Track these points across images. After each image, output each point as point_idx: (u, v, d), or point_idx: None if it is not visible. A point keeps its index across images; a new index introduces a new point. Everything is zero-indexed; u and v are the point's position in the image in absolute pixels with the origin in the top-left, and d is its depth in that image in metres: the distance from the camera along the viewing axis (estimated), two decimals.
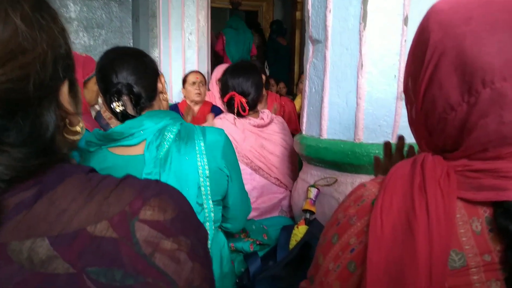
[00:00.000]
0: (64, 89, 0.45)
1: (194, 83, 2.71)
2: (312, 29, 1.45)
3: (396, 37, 1.27)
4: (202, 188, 1.03)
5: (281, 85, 4.77)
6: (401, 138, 0.96)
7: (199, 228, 0.48)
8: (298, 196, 1.51)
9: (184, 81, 2.77)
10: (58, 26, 0.43)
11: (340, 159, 1.33)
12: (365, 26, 1.28)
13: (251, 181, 1.60)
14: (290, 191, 1.68)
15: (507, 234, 0.48)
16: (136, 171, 1.01)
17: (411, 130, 0.62)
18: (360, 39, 1.29)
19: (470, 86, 0.50)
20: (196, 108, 2.76)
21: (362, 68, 1.29)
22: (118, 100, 1.01)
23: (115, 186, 0.44)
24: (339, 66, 1.35)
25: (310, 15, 1.47)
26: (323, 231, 0.63)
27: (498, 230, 0.49)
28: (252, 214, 1.57)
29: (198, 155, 1.04)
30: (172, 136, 1.03)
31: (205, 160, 1.04)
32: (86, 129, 1.62)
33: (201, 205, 1.04)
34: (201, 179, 1.03)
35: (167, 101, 1.15)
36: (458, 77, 0.51)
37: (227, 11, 6.27)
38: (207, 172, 1.04)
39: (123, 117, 1.03)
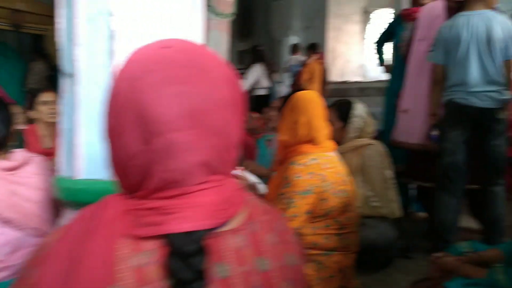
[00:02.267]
0: None
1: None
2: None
3: None
4: None
5: None
6: None
7: None
8: None
9: None
10: None
11: (98, 199, 1.26)
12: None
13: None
14: None
15: (173, 273, 0.52)
16: None
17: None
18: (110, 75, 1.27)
19: (147, 136, 0.54)
20: None
21: None
22: None
23: None
24: (90, 103, 1.29)
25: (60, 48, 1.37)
26: None
27: (168, 269, 0.53)
28: (4, 274, 1.33)
29: None
30: None
31: None
32: None
33: None
34: None
35: None
36: (138, 127, 0.54)
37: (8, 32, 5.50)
38: None
39: None
